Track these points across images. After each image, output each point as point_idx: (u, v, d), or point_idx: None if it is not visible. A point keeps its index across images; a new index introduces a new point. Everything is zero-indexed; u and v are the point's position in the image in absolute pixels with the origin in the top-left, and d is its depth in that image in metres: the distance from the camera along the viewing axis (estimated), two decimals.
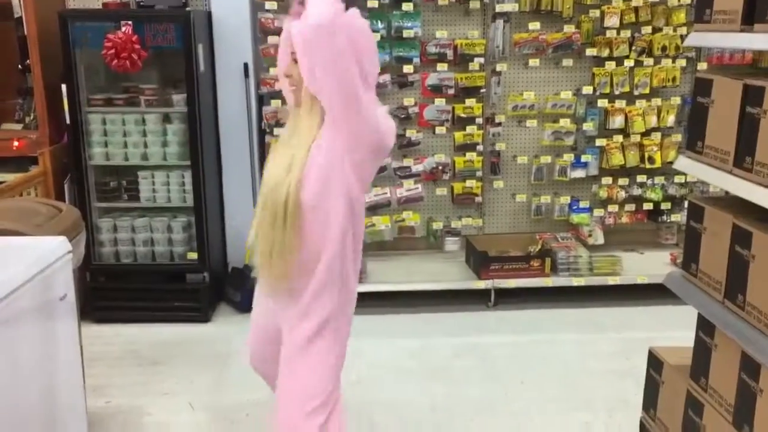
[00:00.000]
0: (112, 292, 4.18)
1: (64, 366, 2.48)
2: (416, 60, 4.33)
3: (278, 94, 4.31)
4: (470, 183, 4.53)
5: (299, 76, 1.94)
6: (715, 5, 1.93)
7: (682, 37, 4.40)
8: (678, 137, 4.54)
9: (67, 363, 2.51)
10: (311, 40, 1.81)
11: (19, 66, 4.26)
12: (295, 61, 1.94)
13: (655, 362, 2.28)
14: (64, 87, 3.95)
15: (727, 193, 1.95)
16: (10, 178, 3.70)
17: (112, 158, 4.11)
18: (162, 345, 3.87)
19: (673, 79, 4.46)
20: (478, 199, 4.58)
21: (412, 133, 4.45)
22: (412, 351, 3.76)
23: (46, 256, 2.33)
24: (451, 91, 4.40)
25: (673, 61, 4.44)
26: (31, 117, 4.21)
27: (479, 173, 4.53)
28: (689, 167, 2.03)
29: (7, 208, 2.81)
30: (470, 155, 4.49)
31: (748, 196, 1.76)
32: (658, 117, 4.50)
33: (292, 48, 1.94)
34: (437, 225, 4.63)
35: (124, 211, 4.24)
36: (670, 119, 4.50)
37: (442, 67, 4.37)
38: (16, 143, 3.98)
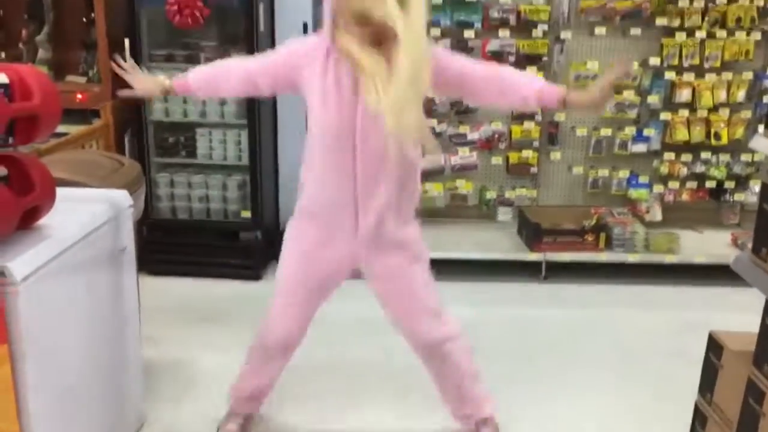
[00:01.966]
0: (167, 246, 4.27)
1: (123, 316, 2.55)
2: (478, 25, 4.23)
3: None
4: (526, 153, 4.45)
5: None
6: None
7: (759, 9, 4.20)
8: (748, 114, 4.36)
9: (126, 313, 2.58)
10: None
11: (84, 19, 4.31)
12: None
13: (714, 346, 2.22)
14: (127, 41, 3.98)
15: None
16: (73, 129, 3.77)
17: (172, 114, 4.16)
18: (214, 300, 3.94)
19: (747, 52, 4.27)
20: (534, 169, 4.51)
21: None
22: (461, 321, 3.74)
23: (109, 209, 2.37)
24: (512, 58, 4.29)
25: (748, 34, 4.24)
26: (95, 70, 4.28)
27: (536, 143, 4.45)
28: (767, 147, 1.94)
29: (73, 160, 2.87)
30: (528, 125, 4.40)
31: None
32: (728, 92, 4.33)
33: None
34: (490, 194, 4.57)
35: (181, 167, 4.30)
36: (741, 94, 4.32)
37: (504, 33, 4.26)
38: (79, 96, 4.05)
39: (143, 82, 2.37)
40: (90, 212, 2.29)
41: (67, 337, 2.13)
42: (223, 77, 2.35)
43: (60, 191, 2.14)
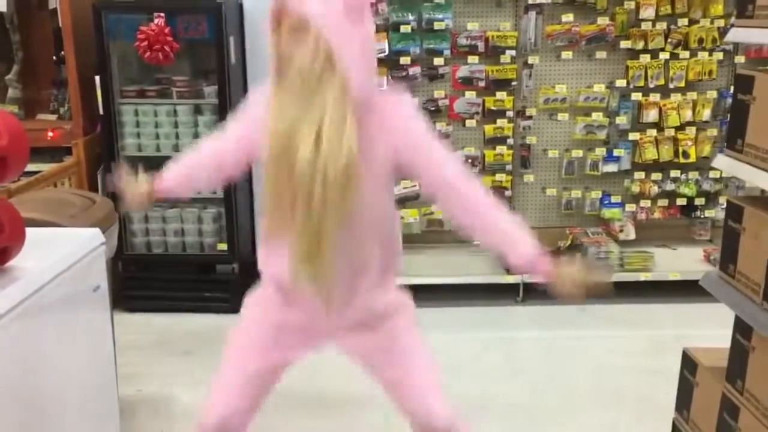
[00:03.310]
0: (143, 281, 4.24)
1: (97, 355, 2.52)
2: (447, 52, 4.29)
3: None
4: (500, 176, 4.50)
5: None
6: (758, 0, 1.88)
7: (720, 30, 4.31)
8: (714, 131, 4.45)
9: (100, 353, 2.55)
10: None
11: (54, 57, 4.31)
12: None
13: (689, 363, 2.25)
14: (97, 78, 3.99)
15: (763, 192, 1.90)
16: (44, 168, 3.75)
17: (144, 149, 4.15)
18: (192, 335, 3.91)
19: (710, 72, 4.37)
20: (508, 192, 4.55)
21: (441, 126, 4.42)
22: (439, 345, 3.69)
23: (80, 248, 2.35)
24: (482, 84, 4.36)
25: (710, 54, 4.34)
26: (65, 108, 4.27)
27: (509, 167, 4.49)
28: (728, 166, 1.99)
29: (43, 199, 2.85)
30: (500, 148, 4.45)
31: None
32: (694, 111, 4.42)
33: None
34: None
35: (156, 202, 4.27)
36: (706, 113, 4.42)
37: (473, 59, 4.33)
38: (50, 134, 4.04)
39: (134, 199, 2.16)
40: (61, 252, 2.26)
41: (39, 379, 2.09)
42: (195, 176, 2.17)
43: (30, 232, 2.12)
